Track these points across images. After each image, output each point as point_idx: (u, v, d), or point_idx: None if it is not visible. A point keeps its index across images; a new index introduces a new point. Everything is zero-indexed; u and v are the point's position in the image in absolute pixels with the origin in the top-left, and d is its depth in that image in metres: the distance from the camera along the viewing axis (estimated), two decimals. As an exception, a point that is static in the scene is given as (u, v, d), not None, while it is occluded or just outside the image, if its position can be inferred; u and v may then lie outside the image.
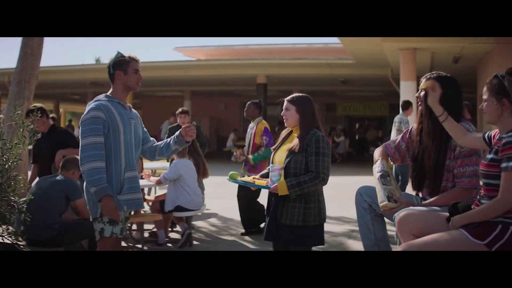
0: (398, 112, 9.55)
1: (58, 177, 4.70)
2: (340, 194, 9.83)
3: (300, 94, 3.81)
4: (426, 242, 2.84)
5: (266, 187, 3.60)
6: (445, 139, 3.34)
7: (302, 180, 3.49)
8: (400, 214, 3.10)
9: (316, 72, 18.71)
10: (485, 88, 2.95)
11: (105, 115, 3.30)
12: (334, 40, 21.77)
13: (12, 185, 3.63)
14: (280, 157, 3.68)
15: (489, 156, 2.85)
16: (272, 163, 3.74)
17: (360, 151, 23.37)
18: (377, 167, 3.55)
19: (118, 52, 3.49)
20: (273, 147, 3.86)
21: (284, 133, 3.87)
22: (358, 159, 21.28)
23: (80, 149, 3.27)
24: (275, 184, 3.52)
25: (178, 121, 7.63)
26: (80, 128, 3.31)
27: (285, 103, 3.76)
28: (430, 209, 3.25)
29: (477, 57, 13.57)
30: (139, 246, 5.63)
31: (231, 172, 3.90)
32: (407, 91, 12.92)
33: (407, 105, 9.02)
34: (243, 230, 6.53)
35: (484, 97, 2.95)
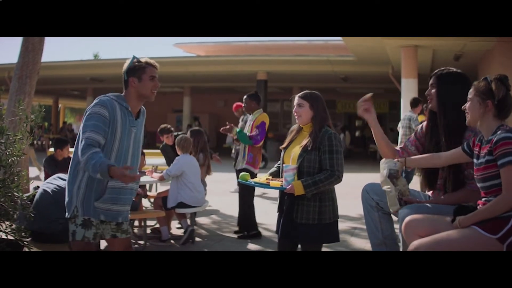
0: (398, 109, 9.51)
1: None
2: (342, 191, 9.77)
3: (312, 91, 3.78)
4: (437, 239, 2.83)
5: (281, 188, 3.55)
6: (459, 137, 3.30)
7: (318, 179, 3.49)
8: (406, 219, 3.08)
9: (316, 69, 18.70)
10: (471, 89, 2.99)
11: (109, 114, 3.11)
12: (335, 37, 21.74)
13: (15, 181, 3.61)
14: (292, 156, 3.64)
15: (482, 159, 2.87)
16: (284, 162, 3.70)
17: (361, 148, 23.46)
18: (386, 164, 3.46)
19: (134, 57, 3.28)
20: (283, 146, 3.80)
21: (292, 131, 3.83)
22: (359, 156, 21.28)
23: (80, 142, 3.05)
24: (291, 185, 3.48)
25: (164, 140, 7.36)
26: (83, 120, 3.12)
27: (298, 99, 3.71)
28: (435, 209, 3.22)
29: (479, 55, 13.54)
30: (142, 242, 5.61)
31: (242, 174, 3.90)
32: (408, 88, 12.89)
33: (417, 102, 8.85)
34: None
35: (469, 96, 2.98)
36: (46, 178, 5.86)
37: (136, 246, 5.60)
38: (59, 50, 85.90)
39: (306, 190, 3.47)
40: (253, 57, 19.91)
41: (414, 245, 2.88)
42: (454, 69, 3.46)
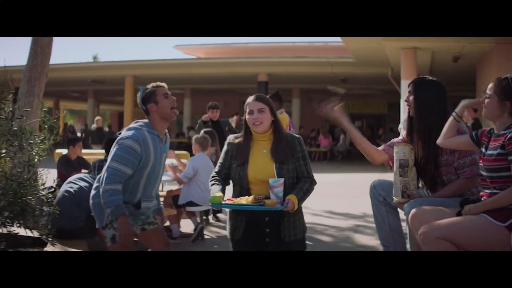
0: (397, 111, 9.63)
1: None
2: (343, 191, 10.00)
3: (262, 94, 3.47)
4: (447, 223, 2.97)
5: (280, 207, 3.12)
6: (433, 139, 3.47)
7: (306, 190, 3.25)
8: (413, 211, 3.23)
9: (316, 70, 18.85)
10: (491, 84, 3.08)
11: (141, 150, 3.29)
12: (334, 39, 21.92)
13: (38, 180, 3.78)
14: (265, 169, 3.26)
15: (493, 152, 3.01)
16: (248, 179, 3.30)
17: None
18: (397, 153, 3.58)
19: (141, 88, 3.50)
20: (240, 163, 3.32)
21: (238, 144, 3.39)
22: (358, 157, 21.40)
23: (105, 168, 3.29)
24: (292, 202, 3.12)
25: (209, 115, 7.56)
26: (115, 147, 3.32)
27: (257, 103, 3.29)
28: (439, 202, 3.38)
29: (477, 56, 13.70)
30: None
31: (212, 196, 3.30)
32: (407, 90, 13.02)
33: None
34: None
35: (488, 92, 3.08)
36: (59, 177, 6.01)
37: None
38: (58, 51, 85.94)
39: (299, 203, 3.19)
40: (254, 59, 20.05)
41: (424, 229, 2.97)
42: (430, 77, 3.74)
